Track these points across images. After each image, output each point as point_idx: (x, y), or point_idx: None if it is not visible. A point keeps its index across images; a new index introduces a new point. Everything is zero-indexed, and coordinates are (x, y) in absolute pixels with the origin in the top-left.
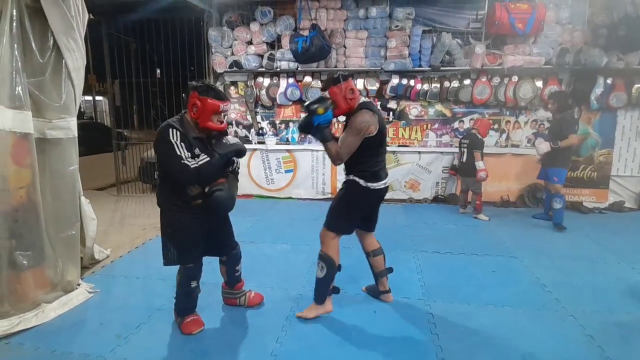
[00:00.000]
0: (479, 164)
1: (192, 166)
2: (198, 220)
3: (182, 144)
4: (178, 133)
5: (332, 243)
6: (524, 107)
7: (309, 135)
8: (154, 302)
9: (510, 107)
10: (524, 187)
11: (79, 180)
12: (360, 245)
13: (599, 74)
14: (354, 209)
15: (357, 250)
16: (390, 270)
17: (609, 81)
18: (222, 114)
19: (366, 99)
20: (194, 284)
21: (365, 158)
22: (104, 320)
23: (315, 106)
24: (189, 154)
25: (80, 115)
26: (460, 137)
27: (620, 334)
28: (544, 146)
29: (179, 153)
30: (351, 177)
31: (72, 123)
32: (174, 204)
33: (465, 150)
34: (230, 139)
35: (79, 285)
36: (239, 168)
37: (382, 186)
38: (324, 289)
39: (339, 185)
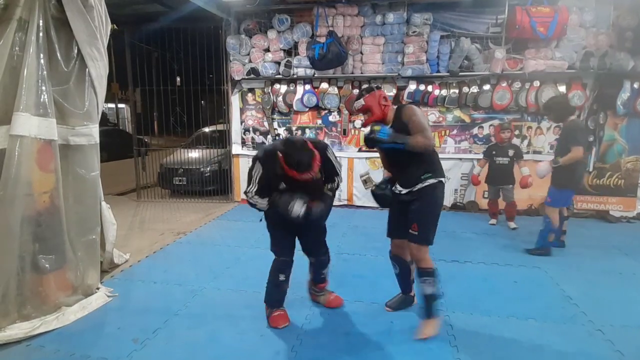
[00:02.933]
0: (526, 170)
1: (249, 199)
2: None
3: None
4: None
5: (428, 256)
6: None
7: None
8: (171, 307)
9: (532, 112)
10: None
11: (100, 186)
12: (398, 254)
13: (626, 78)
14: (439, 212)
15: (368, 259)
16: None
17: (636, 85)
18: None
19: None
20: (282, 277)
21: (433, 152)
22: (122, 324)
23: (371, 130)
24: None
25: (105, 121)
26: (488, 145)
27: None
28: (543, 167)
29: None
30: (430, 179)
31: (94, 130)
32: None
33: (508, 159)
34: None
35: (98, 289)
36: (337, 187)
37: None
38: (436, 303)
39: (355, 192)
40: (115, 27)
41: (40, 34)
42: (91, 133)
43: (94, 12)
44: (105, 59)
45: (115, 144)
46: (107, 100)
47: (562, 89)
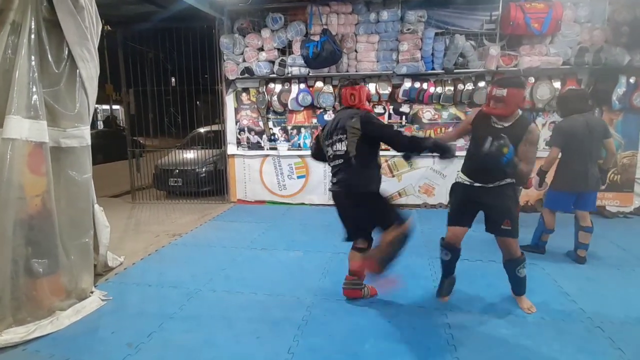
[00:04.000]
0: None
1: None
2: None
3: None
4: None
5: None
6: (542, 109)
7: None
8: (166, 310)
9: (527, 109)
10: (544, 190)
11: (93, 188)
12: (453, 243)
13: (621, 73)
14: None
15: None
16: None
17: (632, 80)
18: None
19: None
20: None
21: None
22: (116, 328)
23: (499, 145)
24: None
25: (110, 124)
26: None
27: None
28: (533, 180)
29: None
30: (507, 180)
31: (86, 132)
32: None
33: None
34: None
35: (92, 292)
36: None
37: None
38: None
39: None
40: (108, 27)
41: (32, 36)
42: (82, 135)
43: (85, 12)
44: (96, 59)
45: (110, 145)
46: (101, 102)
47: (557, 85)
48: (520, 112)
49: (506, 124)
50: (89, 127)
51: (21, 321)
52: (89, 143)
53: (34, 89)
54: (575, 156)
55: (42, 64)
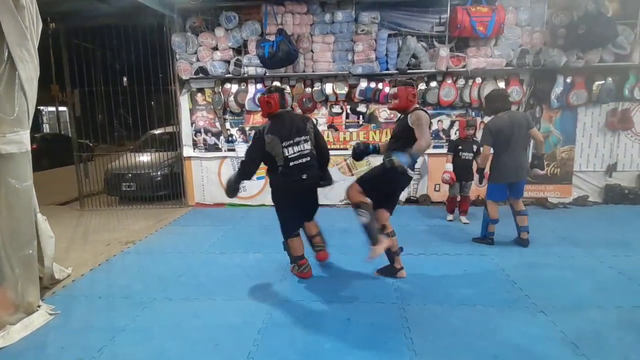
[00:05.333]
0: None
1: None
2: None
3: None
4: None
5: None
6: None
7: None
8: (117, 322)
9: (476, 107)
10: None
11: (35, 197)
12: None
13: (559, 73)
14: None
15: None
16: (401, 249)
17: (568, 80)
18: None
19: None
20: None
21: None
22: (65, 343)
23: (390, 161)
24: None
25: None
26: (450, 139)
27: (593, 330)
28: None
29: None
30: None
31: (25, 137)
32: None
33: (472, 154)
34: None
35: (39, 306)
36: None
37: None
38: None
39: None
40: (53, 25)
41: None
42: (22, 140)
43: (25, 12)
44: (35, 60)
45: (56, 149)
46: (47, 104)
47: (502, 85)
48: (416, 106)
49: (403, 116)
50: (28, 131)
51: None
52: (29, 149)
53: None
54: (504, 151)
55: None
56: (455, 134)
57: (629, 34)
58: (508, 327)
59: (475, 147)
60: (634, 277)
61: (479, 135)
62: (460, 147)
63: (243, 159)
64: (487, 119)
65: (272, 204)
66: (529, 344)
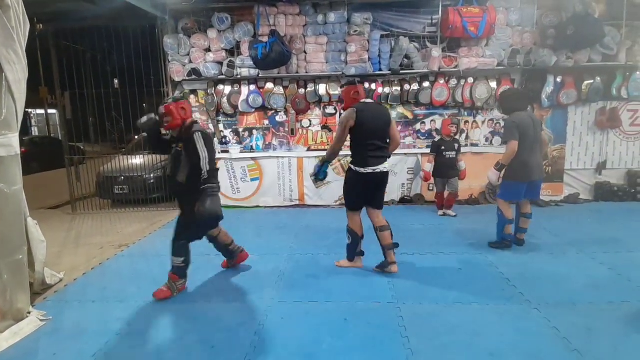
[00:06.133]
0: (463, 165)
1: None
2: None
3: None
4: None
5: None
6: (481, 107)
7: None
8: (111, 326)
9: (468, 107)
10: (485, 184)
11: (25, 201)
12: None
13: (549, 73)
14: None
15: (321, 258)
16: (396, 245)
17: (558, 79)
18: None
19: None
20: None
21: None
22: (58, 349)
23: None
24: None
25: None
26: (434, 140)
27: (584, 324)
28: (491, 176)
29: None
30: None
31: (14, 140)
32: None
33: (454, 152)
34: None
35: (29, 313)
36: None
37: (370, 171)
38: (352, 250)
39: (306, 191)
40: (40, 26)
41: None
42: (11, 143)
43: (11, 12)
44: (23, 61)
45: (47, 153)
46: (35, 106)
47: (494, 84)
48: (357, 104)
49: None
50: (17, 134)
51: None
52: (18, 152)
53: None
54: (525, 149)
55: None
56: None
57: (615, 35)
58: (503, 324)
59: (457, 146)
60: (623, 273)
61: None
62: (443, 147)
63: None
64: (480, 118)
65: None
66: (524, 341)
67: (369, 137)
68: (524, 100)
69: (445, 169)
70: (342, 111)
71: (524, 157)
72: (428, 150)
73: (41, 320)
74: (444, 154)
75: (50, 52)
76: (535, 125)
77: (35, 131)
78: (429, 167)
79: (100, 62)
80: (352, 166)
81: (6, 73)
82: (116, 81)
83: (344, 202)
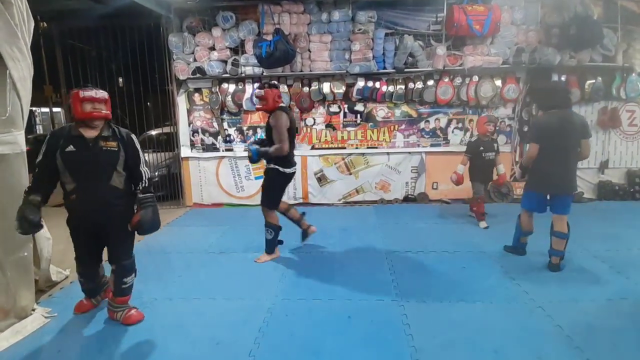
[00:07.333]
0: (502, 168)
1: None
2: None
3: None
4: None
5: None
6: (486, 106)
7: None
8: (116, 323)
9: (473, 106)
10: (489, 183)
11: None
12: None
13: (553, 72)
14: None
15: (324, 256)
16: (303, 213)
17: (563, 78)
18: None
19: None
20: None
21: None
22: (62, 347)
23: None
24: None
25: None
26: (470, 140)
27: (586, 322)
28: (517, 171)
29: None
30: (270, 165)
31: (20, 137)
32: None
33: (494, 154)
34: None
35: (34, 310)
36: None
37: (294, 170)
38: (273, 244)
39: (310, 189)
40: (44, 24)
41: None
42: (16, 141)
43: (14, 8)
44: (28, 59)
45: None
46: (40, 104)
47: (498, 83)
48: (281, 106)
49: (270, 116)
50: (22, 132)
51: None
52: (24, 149)
53: None
54: (547, 155)
55: None
56: (453, 132)
57: (612, 37)
58: (507, 322)
59: (496, 146)
60: (623, 270)
61: (458, 133)
62: (482, 148)
63: None
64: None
65: None
66: (528, 338)
67: (292, 139)
68: (563, 97)
69: (485, 172)
70: (384, 108)
71: (543, 165)
72: (432, 149)
73: (46, 317)
74: (482, 155)
75: (55, 50)
76: (567, 129)
77: (40, 129)
78: (461, 169)
79: (105, 60)
80: (280, 167)
81: (10, 70)
82: (120, 80)
83: (264, 201)
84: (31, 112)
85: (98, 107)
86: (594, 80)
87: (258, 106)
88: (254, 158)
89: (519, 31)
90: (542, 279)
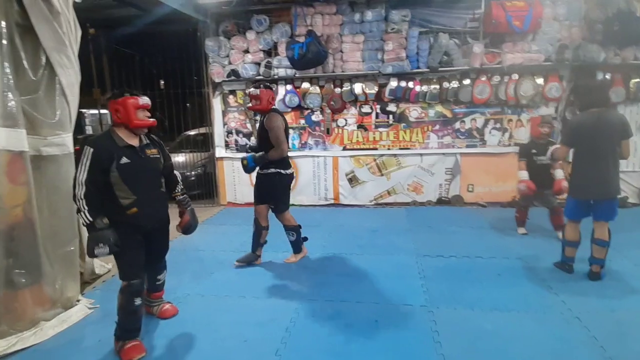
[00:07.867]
0: (560, 173)
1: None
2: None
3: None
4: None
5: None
6: (526, 105)
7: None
8: (152, 317)
9: (512, 105)
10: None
11: None
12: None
13: (598, 69)
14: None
15: (353, 257)
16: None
17: (607, 76)
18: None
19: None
20: (137, 302)
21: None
22: (103, 336)
23: (241, 160)
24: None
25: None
26: (522, 143)
27: (620, 332)
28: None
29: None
30: (269, 170)
31: (68, 139)
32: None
33: (546, 159)
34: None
35: (78, 301)
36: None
37: (292, 171)
38: (299, 243)
39: (341, 191)
40: (93, 31)
41: (4, 42)
42: (65, 143)
43: (61, 18)
44: (76, 66)
45: None
46: (89, 106)
47: (540, 81)
48: (273, 107)
49: (263, 118)
50: (71, 134)
51: (2, 334)
52: (72, 150)
53: (10, 97)
54: (584, 158)
55: (17, 71)
56: (490, 132)
57: None
58: (541, 333)
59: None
60: None
61: (495, 134)
62: (534, 151)
63: None
64: (524, 117)
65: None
66: (562, 349)
67: (287, 141)
68: (601, 95)
69: (539, 177)
70: (417, 109)
71: (580, 169)
72: (468, 150)
73: (89, 308)
74: (534, 158)
75: (101, 55)
76: (604, 129)
77: (89, 130)
78: (524, 174)
79: (147, 64)
80: (281, 170)
81: (59, 77)
82: (162, 82)
83: (272, 207)
84: (81, 114)
85: (147, 115)
86: (639, 79)
87: (250, 105)
88: (249, 166)
89: (561, 27)
90: (581, 288)
